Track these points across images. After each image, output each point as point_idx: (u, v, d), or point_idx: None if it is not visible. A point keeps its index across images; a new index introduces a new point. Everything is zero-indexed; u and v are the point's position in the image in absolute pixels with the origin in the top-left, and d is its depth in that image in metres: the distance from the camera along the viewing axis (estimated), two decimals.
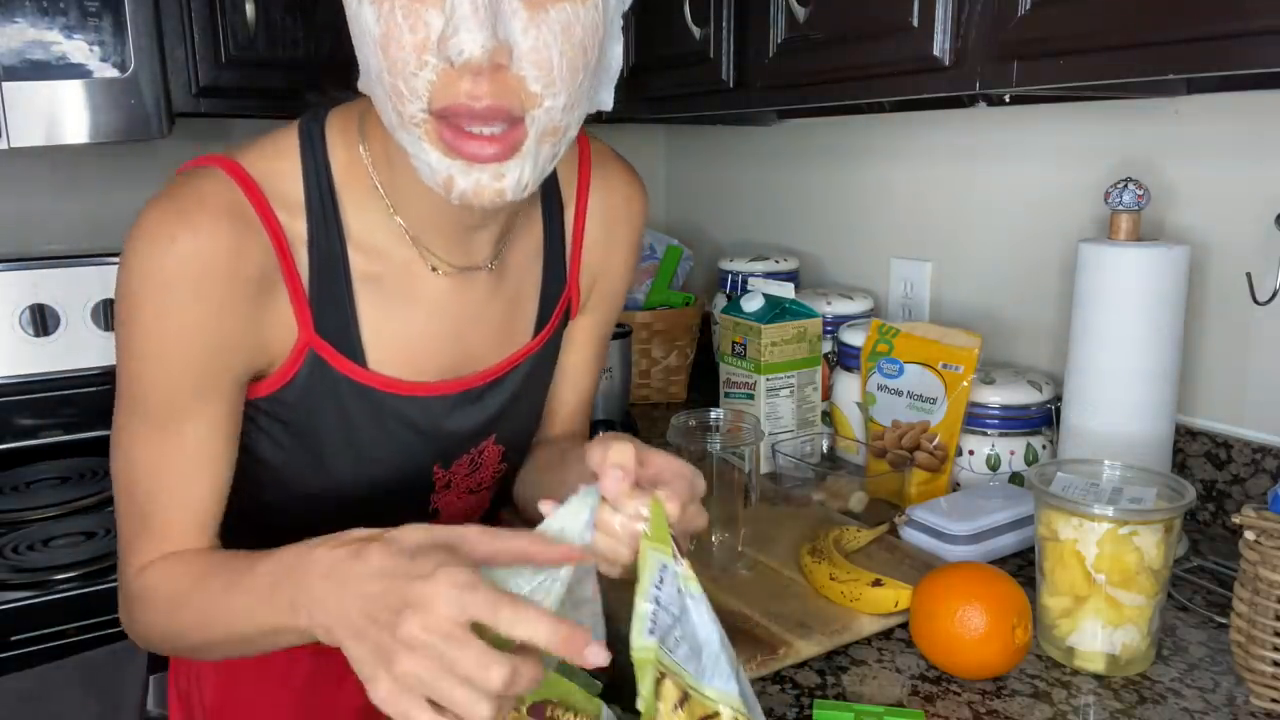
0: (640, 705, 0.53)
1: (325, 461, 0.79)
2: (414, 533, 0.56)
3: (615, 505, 0.61)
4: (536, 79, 0.61)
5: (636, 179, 0.92)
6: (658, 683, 0.53)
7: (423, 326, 0.78)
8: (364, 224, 0.74)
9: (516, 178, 0.63)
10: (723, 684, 0.55)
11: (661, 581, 0.56)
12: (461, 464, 0.86)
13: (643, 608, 0.55)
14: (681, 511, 0.62)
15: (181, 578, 0.70)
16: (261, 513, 0.81)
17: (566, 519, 0.61)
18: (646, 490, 0.62)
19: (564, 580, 0.57)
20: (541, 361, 0.89)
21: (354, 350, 0.76)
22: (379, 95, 0.64)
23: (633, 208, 0.91)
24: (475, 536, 0.57)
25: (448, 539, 0.56)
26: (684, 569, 0.58)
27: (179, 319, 0.68)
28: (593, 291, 0.91)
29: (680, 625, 0.56)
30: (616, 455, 0.61)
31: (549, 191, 0.85)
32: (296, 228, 0.72)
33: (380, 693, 0.52)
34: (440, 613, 0.50)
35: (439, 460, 0.84)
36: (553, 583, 0.57)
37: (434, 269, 0.77)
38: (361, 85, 0.66)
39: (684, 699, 0.54)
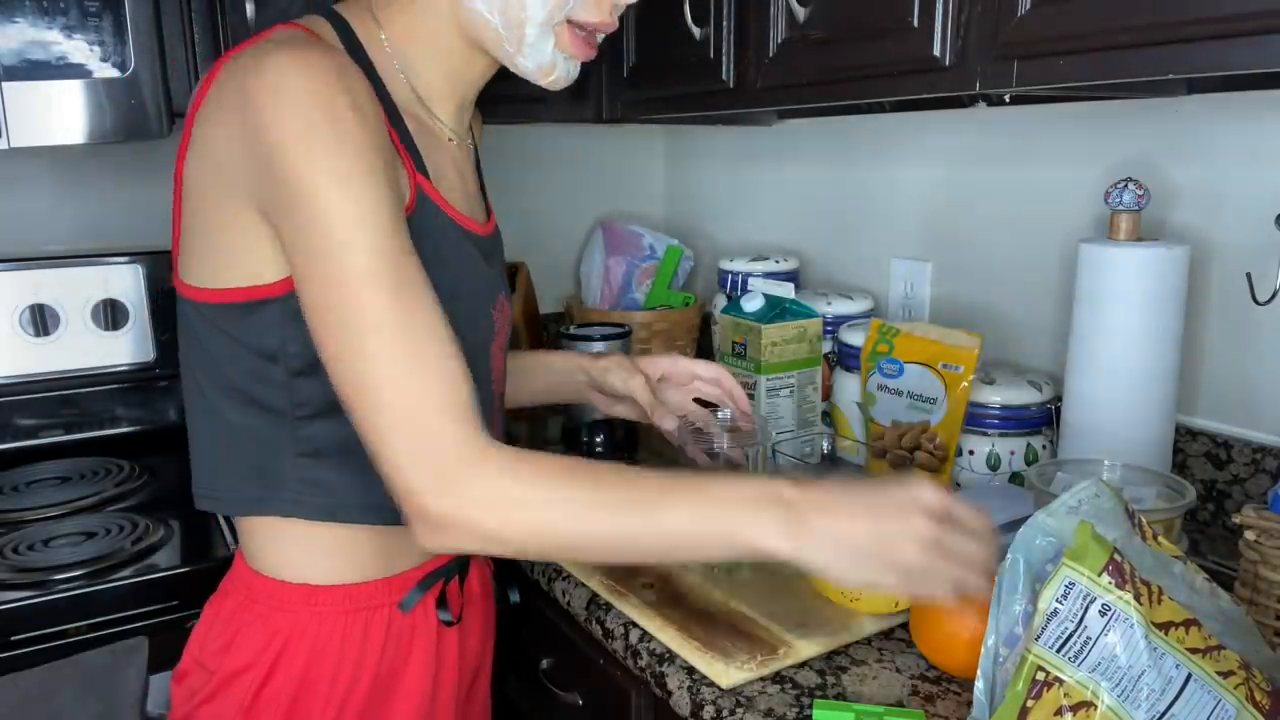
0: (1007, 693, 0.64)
1: None
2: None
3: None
4: None
5: None
6: (1039, 685, 0.62)
7: (451, 181, 0.88)
8: (395, 90, 0.84)
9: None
10: (1134, 711, 0.62)
11: (1065, 595, 0.64)
12: (500, 310, 0.94)
13: (1040, 611, 0.64)
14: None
15: (575, 466, 0.71)
16: None
17: None
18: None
19: None
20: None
21: (434, 189, 0.84)
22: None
23: None
24: None
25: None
26: (1115, 593, 0.64)
27: (357, 134, 0.70)
28: None
29: (1090, 641, 0.63)
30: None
31: None
32: None
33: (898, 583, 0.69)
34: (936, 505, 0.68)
35: (491, 302, 0.92)
36: None
37: (449, 139, 0.89)
38: None
39: (1080, 708, 0.62)
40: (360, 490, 0.82)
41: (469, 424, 0.70)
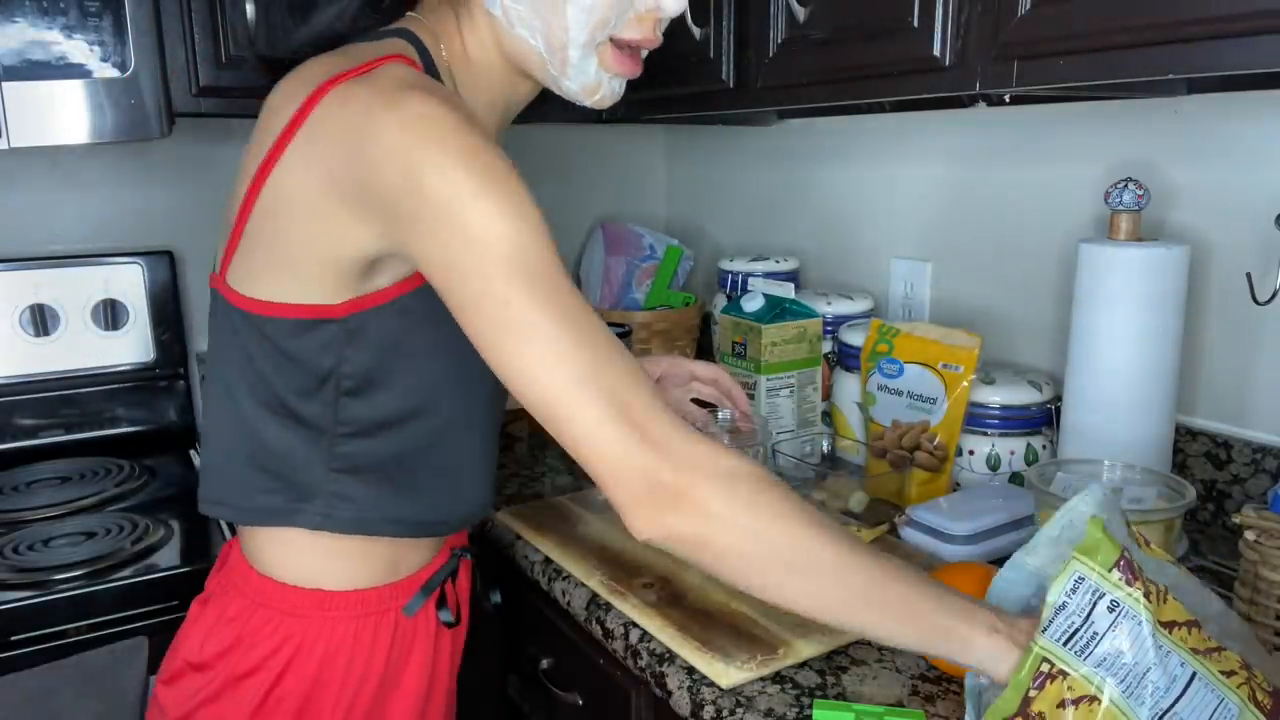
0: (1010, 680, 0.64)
1: None
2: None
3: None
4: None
5: None
6: (1043, 676, 0.63)
7: None
8: None
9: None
10: (1138, 708, 0.62)
11: (1074, 590, 0.64)
12: None
13: (1048, 604, 0.65)
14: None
15: (812, 531, 0.67)
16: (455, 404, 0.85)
17: None
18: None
19: None
20: None
21: None
22: (543, 19, 0.78)
23: None
24: None
25: None
26: (1124, 589, 0.64)
27: (501, 156, 0.70)
28: None
29: (1097, 636, 0.63)
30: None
31: None
32: None
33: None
34: None
35: None
36: None
37: None
38: (489, 4, 0.81)
39: (1083, 700, 0.62)
40: (390, 504, 0.83)
41: (672, 412, 0.69)
